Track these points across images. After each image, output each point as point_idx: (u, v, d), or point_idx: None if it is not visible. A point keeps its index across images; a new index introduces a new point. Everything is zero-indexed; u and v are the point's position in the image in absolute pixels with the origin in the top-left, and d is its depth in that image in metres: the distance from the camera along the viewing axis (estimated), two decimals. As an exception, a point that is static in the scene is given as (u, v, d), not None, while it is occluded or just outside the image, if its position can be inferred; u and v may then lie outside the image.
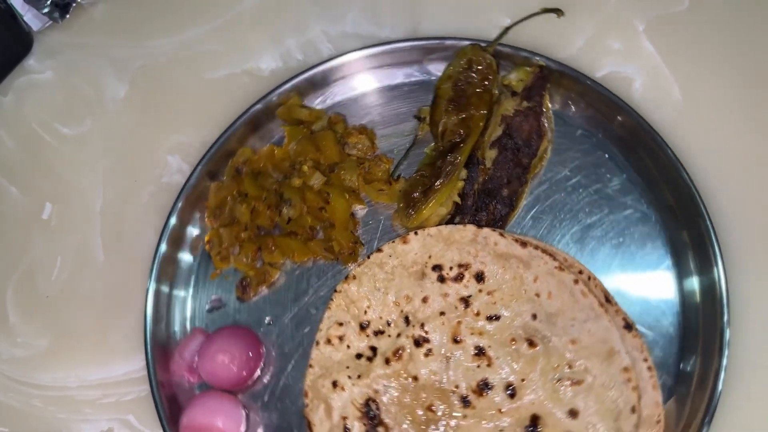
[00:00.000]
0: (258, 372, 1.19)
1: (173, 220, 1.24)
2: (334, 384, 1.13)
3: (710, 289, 1.13)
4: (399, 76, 1.32)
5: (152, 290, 1.21)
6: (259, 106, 1.26)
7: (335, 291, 1.18)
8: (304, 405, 1.13)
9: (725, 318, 1.10)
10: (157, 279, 1.21)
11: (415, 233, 1.17)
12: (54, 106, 1.39)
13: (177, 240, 1.25)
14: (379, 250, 1.18)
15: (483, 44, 1.24)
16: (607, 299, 1.11)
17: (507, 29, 1.25)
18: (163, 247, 1.22)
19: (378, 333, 1.15)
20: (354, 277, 1.17)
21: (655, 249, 1.18)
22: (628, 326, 1.08)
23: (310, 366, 1.16)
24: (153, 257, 1.22)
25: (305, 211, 1.22)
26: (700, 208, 1.14)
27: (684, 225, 1.17)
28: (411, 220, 1.18)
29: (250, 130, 1.29)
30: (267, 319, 1.23)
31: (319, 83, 1.31)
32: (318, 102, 1.32)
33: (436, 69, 1.30)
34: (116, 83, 1.38)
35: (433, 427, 1.08)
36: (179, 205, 1.24)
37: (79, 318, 1.28)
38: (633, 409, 1.03)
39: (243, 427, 1.16)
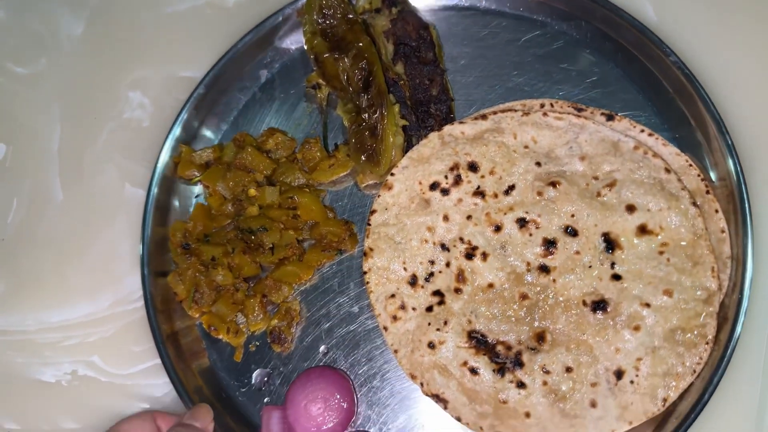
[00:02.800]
0: (355, 396, 1.08)
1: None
2: (431, 345, 1.05)
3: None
4: (261, 74, 1.26)
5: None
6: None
7: (364, 273, 1.10)
8: (420, 388, 1.04)
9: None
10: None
11: (392, 174, 1.13)
12: (6, 45, 1.34)
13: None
14: (372, 212, 1.12)
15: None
16: (579, 109, 1.14)
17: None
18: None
19: (429, 277, 1.08)
20: (371, 249, 1.10)
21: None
22: (610, 117, 1.13)
23: (395, 351, 1.07)
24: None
25: (282, 229, 1.12)
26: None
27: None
28: (380, 167, 1.13)
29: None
30: (321, 348, 1.11)
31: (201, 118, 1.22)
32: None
33: (290, 43, 1.26)
34: (72, 20, 1.33)
35: (537, 308, 1.04)
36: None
37: (38, 259, 1.23)
38: (666, 170, 1.07)
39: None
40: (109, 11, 1.32)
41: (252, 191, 1.13)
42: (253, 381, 1.11)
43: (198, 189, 1.21)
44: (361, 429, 1.06)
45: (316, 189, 1.17)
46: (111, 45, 1.31)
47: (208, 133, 1.23)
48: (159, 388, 1.13)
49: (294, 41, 1.26)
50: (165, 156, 1.17)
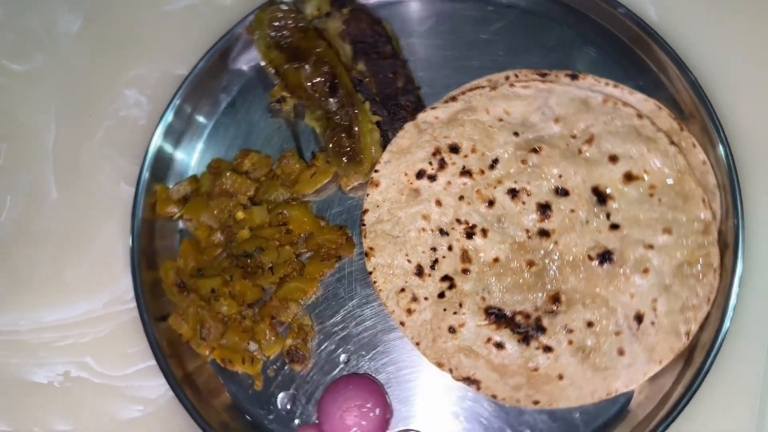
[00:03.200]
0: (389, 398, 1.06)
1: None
2: (451, 330, 1.04)
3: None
4: (221, 98, 1.24)
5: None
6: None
7: (369, 273, 1.09)
8: (450, 375, 1.03)
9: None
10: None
11: (376, 171, 1.12)
12: (3, 42, 1.33)
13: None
14: (364, 212, 1.11)
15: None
16: (543, 74, 1.16)
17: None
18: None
19: (434, 264, 1.08)
20: (371, 249, 1.09)
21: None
22: (574, 76, 1.15)
23: (417, 344, 1.06)
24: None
25: (278, 246, 1.09)
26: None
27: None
28: (364, 166, 1.12)
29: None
30: (342, 357, 1.09)
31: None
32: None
33: (244, 63, 1.24)
34: (69, 17, 1.32)
35: (545, 272, 1.05)
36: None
37: (32, 258, 1.21)
38: (639, 116, 1.10)
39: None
40: (106, 9, 1.31)
41: (240, 214, 1.10)
42: (279, 405, 1.08)
43: (180, 225, 1.18)
44: (404, 428, 1.04)
45: (302, 201, 1.16)
46: (108, 42, 1.30)
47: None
48: (153, 390, 1.11)
49: (248, 60, 1.24)
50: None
